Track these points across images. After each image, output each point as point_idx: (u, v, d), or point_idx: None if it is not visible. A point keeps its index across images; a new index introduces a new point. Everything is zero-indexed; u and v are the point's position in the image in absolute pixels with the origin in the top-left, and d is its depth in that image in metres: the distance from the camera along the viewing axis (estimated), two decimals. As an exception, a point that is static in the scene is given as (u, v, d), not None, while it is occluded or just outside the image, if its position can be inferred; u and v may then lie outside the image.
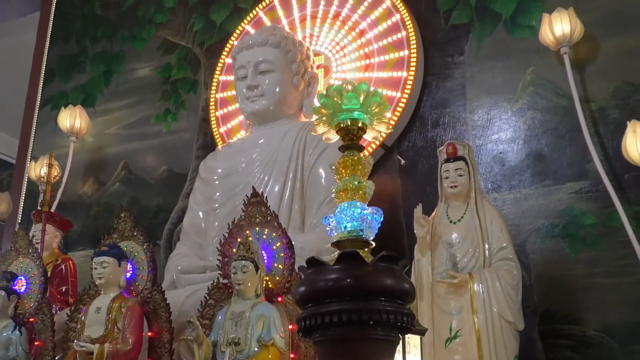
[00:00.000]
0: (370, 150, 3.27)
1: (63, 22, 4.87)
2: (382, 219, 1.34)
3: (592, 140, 2.89)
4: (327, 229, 1.35)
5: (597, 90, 3.06)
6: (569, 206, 2.99)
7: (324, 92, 1.39)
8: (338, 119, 1.37)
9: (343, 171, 1.36)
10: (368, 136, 1.43)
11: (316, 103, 3.40)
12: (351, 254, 1.24)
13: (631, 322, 2.74)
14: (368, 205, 1.35)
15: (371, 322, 1.21)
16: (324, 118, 1.39)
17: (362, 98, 1.36)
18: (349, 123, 1.37)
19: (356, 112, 1.36)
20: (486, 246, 2.52)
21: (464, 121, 3.33)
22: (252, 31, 3.71)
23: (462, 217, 2.59)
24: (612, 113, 3.00)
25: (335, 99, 1.36)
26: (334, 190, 1.38)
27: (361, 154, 1.38)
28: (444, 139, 3.18)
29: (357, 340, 1.23)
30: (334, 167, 1.41)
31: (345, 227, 1.31)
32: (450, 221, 2.59)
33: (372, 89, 1.37)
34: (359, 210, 1.32)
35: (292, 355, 2.14)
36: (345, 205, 1.33)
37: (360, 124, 1.37)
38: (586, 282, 2.87)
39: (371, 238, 1.33)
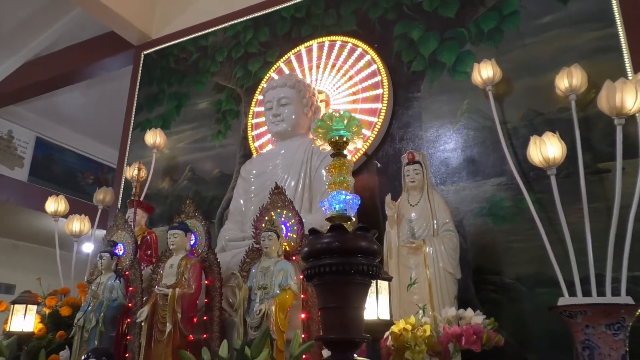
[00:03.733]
0: (357, 158, 3.28)
1: (147, 72, 4.88)
2: (359, 202, 1.35)
3: (508, 150, 2.88)
4: (323, 209, 1.36)
5: (511, 115, 3.05)
6: (493, 194, 2.98)
7: (320, 118, 1.40)
8: (330, 135, 1.38)
9: (333, 170, 1.37)
10: (351, 146, 1.44)
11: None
12: (338, 225, 1.25)
13: (535, 274, 2.73)
14: (350, 193, 1.35)
15: (352, 271, 1.22)
16: (320, 135, 1.40)
17: (345, 121, 1.37)
18: (337, 138, 1.38)
19: (342, 131, 1.37)
20: (435, 221, 2.52)
21: (420, 137, 3.32)
22: (276, 77, 3.72)
23: (418, 202, 2.59)
24: (522, 131, 2.99)
25: (328, 122, 1.37)
26: (327, 184, 1.39)
27: (345, 160, 1.39)
28: (406, 149, 3.17)
29: (342, 283, 1.23)
30: (326, 168, 1.41)
31: (335, 208, 1.32)
32: (410, 205, 2.60)
33: (352, 115, 1.38)
34: (344, 197, 1.33)
35: (302, 296, 2.15)
36: (335, 193, 1.34)
37: (344, 139, 1.38)
38: (505, 246, 2.86)
39: (352, 215, 1.34)
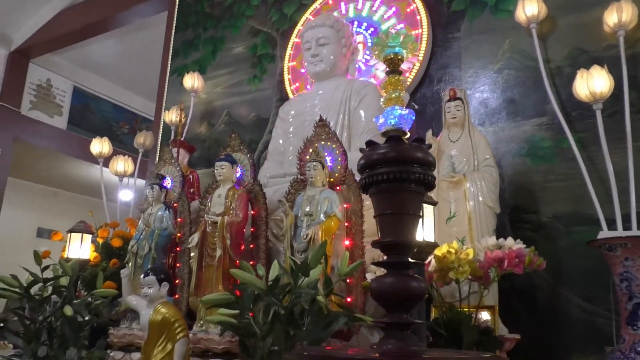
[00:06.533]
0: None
1: (183, 17, 4.90)
2: (414, 117, 1.39)
3: (550, 89, 2.86)
4: (378, 124, 1.40)
5: (555, 54, 3.01)
6: (532, 135, 2.99)
7: (377, 35, 1.42)
8: (385, 53, 1.41)
9: (389, 87, 1.40)
10: (404, 66, 1.47)
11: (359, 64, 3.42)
12: (395, 136, 1.29)
13: (572, 212, 2.77)
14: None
15: (407, 180, 1.26)
16: (376, 52, 1.43)
17: (401, 38, 1.40)
18: (392, 55, 1.40)
19: (397, 48, 1.40)
20: (475, 157, 2.56)
21: (459, 78, 3.31)
22: (312, 19, 3.70)
23: (459, 138, 2.62)
24: (565, 70, 2.95)
25: (384, 39, 1.40)
26: (382, 101, 1.43)
27: (400, 76, 1.41)
28: (444, 90, 3.16)
29: (398, 191, 1.27)
30: (382, 85, 1.45)
31: (390, 122, 1.37)
32: (451, 141, 2.63)
33: (408, 33, 1.41)
34: (398, 111, 1.37)
35: (346, 224, 2.23)
36: (389, 108, 1.38)
37: (399, 56, 1.41)
38: (542, 186, 2.89)
39: (407, 129, 1.38)
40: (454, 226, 2.46)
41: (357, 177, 2.25)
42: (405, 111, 1.37)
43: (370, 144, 1.33)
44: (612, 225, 2.50)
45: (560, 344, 2.63)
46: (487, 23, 3.27)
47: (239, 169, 2.54)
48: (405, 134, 1.37)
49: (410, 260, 1.29)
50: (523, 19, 2.97)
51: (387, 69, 1.41)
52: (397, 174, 1.26)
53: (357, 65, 3.40)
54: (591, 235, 2.45)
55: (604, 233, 2.39)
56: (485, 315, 2.23)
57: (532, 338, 2.49)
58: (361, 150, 1.36)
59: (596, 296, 2.60)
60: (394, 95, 1.38)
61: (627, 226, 2.47)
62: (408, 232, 1.29)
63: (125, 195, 4.63)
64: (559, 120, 2.78)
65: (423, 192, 1.32)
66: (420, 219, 1.87)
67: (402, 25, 3.43)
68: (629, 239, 2.20)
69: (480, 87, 3.22)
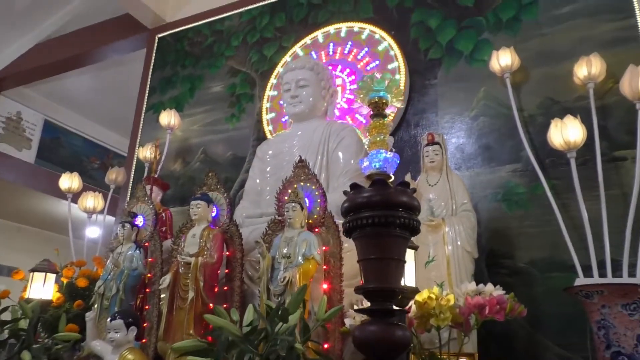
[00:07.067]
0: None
1: (161, 55, 4.90)
2: (399, 161, 1.38)
3: (524, 137, 2.92)
4: (362, 167, 1.38)
5: (528, 103, 3.09)
6: (507, 180, 3.02)
7: (361, 79, 1.43)
8: (370, 96, 1.41)
9: (373, 130, 1.40)
10: (388, 110, 1.47)
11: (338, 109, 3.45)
12: (380, 180, 1.28)
13: (548, 258, 2.78)
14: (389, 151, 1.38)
15: (392, 224, 1.25)
16: (361, 96, 1.43)
17: (386, 83, 1.40)
18: (377, 99, 1.41)
19: (382, 92, 1.40)
20: (453, 201, 2.56)
21: (436, 123, 3.36)
22: (292, 61, 3.74)
23: (437, 182, 2.62)
24: (538, 118, 3.03)
25: (369, 83, 1.40)
26: (367, 144, 1.41)
27: (384, 120, 1.41)
28: (422, 135, 3.20)
29: (383, 236, 1.26)
30: (367, 128, 1.44)
31: (375, 166, 1.35)
32: (429, 185, 2.63)
33: (393, 77, 1.41)
34: (383, 155, 1.36)
35: (324, 267, 2.17)
36: (374, 151, 1.37)
37: (384, 100, 1.41)
38: (518, 231, 2.90)
39: (391, 173, 1.36)
40: (433, 270, 2.42)
41: (336, 219, 2.26)
42: (390, 154, 1.36)
43: (354, 187, 1.31)
44: (587, 271, 2.51)
45: (539, 393, 2.58)
46: (462, 71, 3.36)
47: (215, 209, 2.47)
48: (390, 177, 1.36)
49: (395, 307, 1.25)
50: (497, 68, 3.06)
51: (372, 113, 1.41)
52: (382, 218, 1.24)
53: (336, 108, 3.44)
54: (567, 282, 2.46)
55: (581, 280, 2.40)
56: (464, 364, 2.17)
57: (511, 387, 2.43)
58: (345, 193, 1.34)
59: (574, 343, 2.58)
60: (378, 139, 1.38)
61: (602, 273, 2.49)
62: (393, 278, 1.26)
63: (93, 232, 4.46)
64: (534, 167, 2.82)
65: (408, 237, 1.30)
66: (401, 264, 1.83)
67: (377, 62, 3.50)
68: (605, 286, 2.21)
69: (456, 133, 3.27)
